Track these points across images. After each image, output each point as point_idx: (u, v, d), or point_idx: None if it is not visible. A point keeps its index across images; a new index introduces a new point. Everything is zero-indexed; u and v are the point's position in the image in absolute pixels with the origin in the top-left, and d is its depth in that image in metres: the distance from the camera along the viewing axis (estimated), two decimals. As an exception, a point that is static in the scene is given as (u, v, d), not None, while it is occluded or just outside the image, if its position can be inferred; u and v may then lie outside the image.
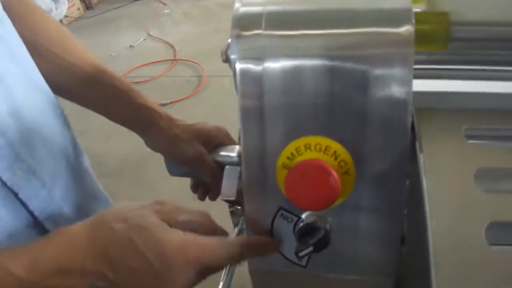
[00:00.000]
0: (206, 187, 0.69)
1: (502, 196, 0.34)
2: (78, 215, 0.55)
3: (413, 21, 0.34)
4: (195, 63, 3.37)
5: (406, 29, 0.34)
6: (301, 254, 0.38)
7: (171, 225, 0.40)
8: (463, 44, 0.38)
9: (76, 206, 0.55)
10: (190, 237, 0.40)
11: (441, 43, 0.37)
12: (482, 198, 0.33)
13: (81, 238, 0.39)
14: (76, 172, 0.58)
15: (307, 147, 0.38)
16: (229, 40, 0.46)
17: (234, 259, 0.42)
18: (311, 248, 0.38)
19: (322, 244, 0.39)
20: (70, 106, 0.66)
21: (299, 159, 0.38)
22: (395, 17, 0.35)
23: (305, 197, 0.36)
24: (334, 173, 0.35)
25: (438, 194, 0.34)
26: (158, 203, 0.43)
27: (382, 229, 0.39)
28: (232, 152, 0.63)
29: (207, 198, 0.70)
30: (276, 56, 0.37)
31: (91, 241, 0.38)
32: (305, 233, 0.39)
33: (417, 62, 0.35)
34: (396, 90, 0.35)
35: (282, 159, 0.39)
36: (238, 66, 0.38)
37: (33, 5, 0.62)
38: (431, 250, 0.32)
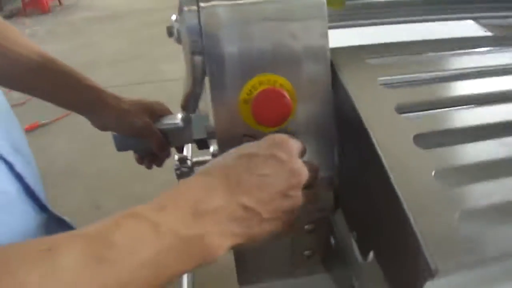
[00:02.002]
0: (152, 156, 0.79)
1: (415, 118, 0.49)
2: None
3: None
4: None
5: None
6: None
7: None
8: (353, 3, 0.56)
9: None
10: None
11: (339, 2, 0.54)
12: (402, 120, 0.47)
13: (213, 178, 0.40)
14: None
15: (261, 83, 0.52)
16: (173, 17, 0.59)
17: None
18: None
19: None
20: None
21: (256, 92, 0.52)
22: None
23: (268, 117, 0.51)
24: (286, 95, 0.50)
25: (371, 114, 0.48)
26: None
27: (318, 135, 0.55)
28: (174, 120, 0.75)
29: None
30: (232, 19, 0.50)
31: (224, 177, 0.40)
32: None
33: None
34: (318, 36, 0.51)
35: (243, 95, 0.52)
36: (205, 29, 0.50)
37: None
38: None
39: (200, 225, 0.36)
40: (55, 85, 0.69)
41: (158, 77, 3.42)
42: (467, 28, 0.90)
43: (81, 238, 0.32)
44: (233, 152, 0.44)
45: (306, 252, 0.67)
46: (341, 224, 0.59)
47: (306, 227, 0.62)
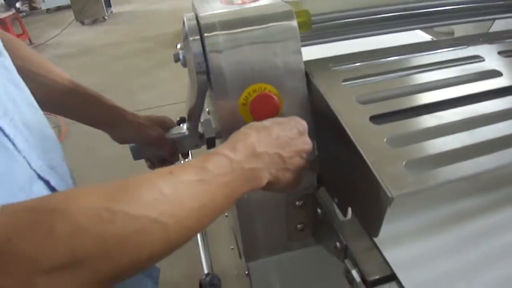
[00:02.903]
0: (162, 162, 0.94)
1: (371, 104, 0.68)
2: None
3: (295, 17, 0.69)
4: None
5: (293, 21, 0.68)
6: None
7: None
8: (320, 26, 0.75)
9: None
10: None
11: (307, 26, 0.72)
12: (361, 107, 0.66)
13: (260, 132, 0.58)
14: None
15: (254, 90, 0.69)
16: (178, 46, 0.76)
17: None
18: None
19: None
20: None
21: (252, 97, 0.68)
22: (286, 16, 0.69)
23: (262, 115, 0.67)
24: (274, 96, 0.67)
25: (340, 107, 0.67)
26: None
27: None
28: (181, 130, 0.90)
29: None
30: (230, 44, 0.67)
31: (267, 133, 0.58)
32: (263, 140, 0.70)
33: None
34: (294, 53, 0.69)
35: (241, 101, 0.69)
36: (209, 53, 0.67)
37: (14, 39, 0.80)
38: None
39: (255, 163, 0.54)
40: (84, 106, 0.83)
41: (136, 107, 3.55)
42: (415, 36, 1.11)
43: (188, 167, 0.49)
44: (269, 120, 0.62)
45: (299, 226, 0.83)
46: (325, 197, 0.76)
47: (297, 203, 0.79)
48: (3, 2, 6.56)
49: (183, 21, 0.72)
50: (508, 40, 0.85)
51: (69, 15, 6.45)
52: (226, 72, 0.68)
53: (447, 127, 0.61)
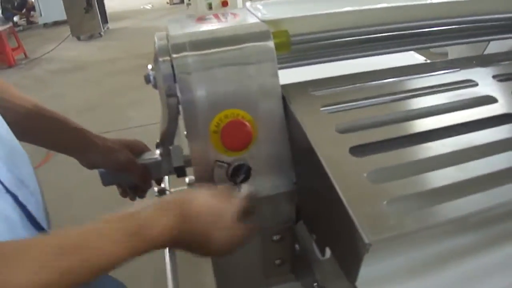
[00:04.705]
0: (134, 189, 0.88)
1: (352, 133, 0.62)
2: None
3: (271, 37, 0.63)
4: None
5: (269, 42, 0.63)
6: (237, 181, 0.63)
7: None
8: (299, 47, 0.69)
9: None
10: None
11: (286, 47, 0.67)
12: (340, 137, 0.60)
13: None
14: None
15: (226, 116, 0.63)
16: (149, 67, 0.70)
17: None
18: (242, 176, 0.63)
19: (247, 175, 0.64)
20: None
21: (223, 123, 0.63)
22: (262, 36, 0.63)
23: (234, 143, 0.62)
24: (247, 124, 0.61)
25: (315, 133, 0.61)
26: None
27: (277, 157, 0.66)
28: (153, 155, 0.84)
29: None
30: (200, 66, 0.62)
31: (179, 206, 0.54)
32: (236, 170, 0.64)
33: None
34: (270, 76, 0.63)
35: (212, 127, 0.63)
36: (178, 75, 0.61)
37: None
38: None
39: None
40: (49, 129, 0.78)
41: (126, 124, 3.50)
42: (408, 58, 1.06)
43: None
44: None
45: (277, 261, 0.76)
46: (303, 231, 0.69)
47: (274, 237, 0.73)
48: (0, 15, 6.57)
49: (154, 40, 0.67)
50: (503, 63, 0.79)
51: (66, 30, 6.43)
52: (195, 96, 0.62)
53: (435, 160, 0.55)
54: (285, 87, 0.66)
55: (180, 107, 0.65)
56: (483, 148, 0.57)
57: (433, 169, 0.53)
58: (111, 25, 7.07)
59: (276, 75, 0.64)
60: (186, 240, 0.54)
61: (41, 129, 0.78)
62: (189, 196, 0.57)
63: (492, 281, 0.54)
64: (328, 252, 0.60)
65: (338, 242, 0.54)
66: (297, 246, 0.71)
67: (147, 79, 0.73)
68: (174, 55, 0.62)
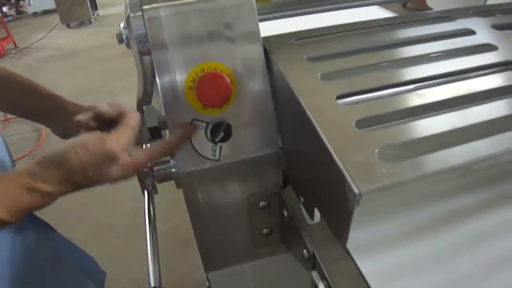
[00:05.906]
0: None
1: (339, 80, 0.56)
2: None
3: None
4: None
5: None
6: (216, 140, 0.57)
7: None
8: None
9: None
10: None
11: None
12: (325, 85, 0.54)
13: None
14: None
15: (202, 70, 0.57)
16: (121, 25, 0.64)
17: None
18: (222, 134, 0.57)
19: (227, 134, 0.59)
20: None
21: (199, 77, 0.57)
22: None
23: (211, 98, 0.56)
24: (226, 77, 0.55)
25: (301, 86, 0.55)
26: None
27: (260, 114, 0.60)
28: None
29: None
30: (173, 17, 0.56)
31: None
32: (214, 128, 0.58)
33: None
34: (250, 25, 0.57)
35: (188, 83, 0.57)
36: (149, 29, 0.55)
37: None
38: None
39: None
40: (17, 94, 0.71)
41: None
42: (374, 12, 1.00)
43: None
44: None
45: (265, 231, 0.71)
46: (291, 197, 0.64)
47: (260, 204, 0.67)
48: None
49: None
50: (505, 15, 0.73)
51: (56, 18, 6.29)
52: (168, 49, 0.56)
53: (433, 106, 0.50)
54: (266, 39, 0.60)
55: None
56: (486, 94, 0.52)
57: (431, 115, 0.47)
58: (101, 11, 6.92)
59: (257, 24, 0.58)
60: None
61: (9, 95, 0.72)
62: None
63: (500, 245, 0.49)
64: (317, 215, 0.55)
65: (326, 200, 0.49)
66: (285, 212, 0.65)
67: (120, 39, 0.67)
68: (145, 7, 0.56)
